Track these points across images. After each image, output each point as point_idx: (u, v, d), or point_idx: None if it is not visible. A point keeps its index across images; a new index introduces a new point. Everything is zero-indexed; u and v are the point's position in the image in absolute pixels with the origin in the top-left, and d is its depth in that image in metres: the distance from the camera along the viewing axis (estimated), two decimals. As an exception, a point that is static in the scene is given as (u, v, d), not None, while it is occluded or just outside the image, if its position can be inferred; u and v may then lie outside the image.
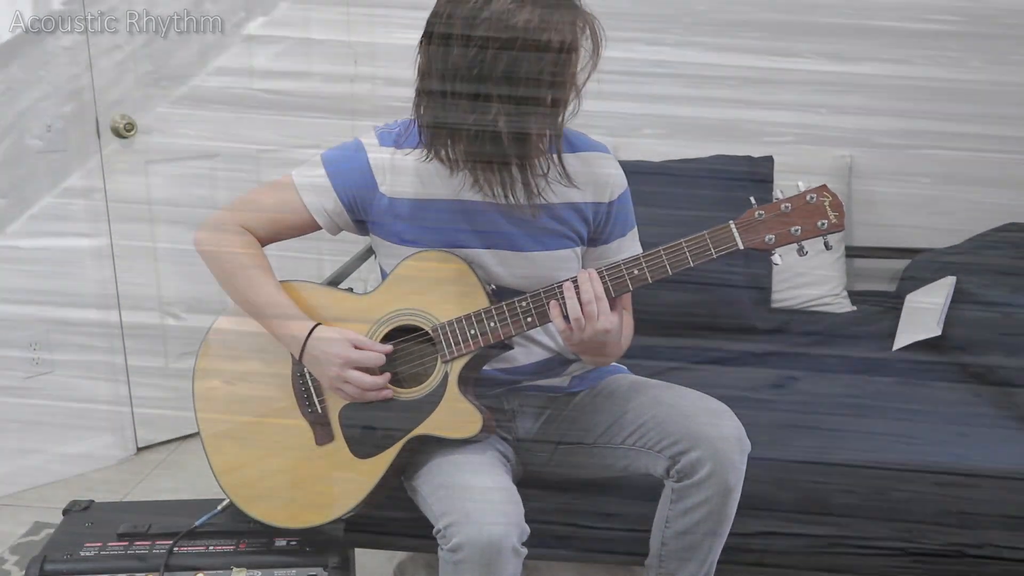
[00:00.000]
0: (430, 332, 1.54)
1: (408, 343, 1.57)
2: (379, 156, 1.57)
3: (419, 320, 1.55)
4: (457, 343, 1.53)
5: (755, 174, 2.61)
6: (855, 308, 2.65)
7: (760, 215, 1.47)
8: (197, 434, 1.66)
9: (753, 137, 2.74)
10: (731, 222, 1.47)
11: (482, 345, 1.52)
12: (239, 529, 1.66)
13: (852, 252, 2.77)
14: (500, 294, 1.56)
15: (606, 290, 1.48)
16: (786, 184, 1.51)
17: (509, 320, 1.51)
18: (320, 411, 1.60)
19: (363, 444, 1.57)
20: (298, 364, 1.59)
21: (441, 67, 1.42)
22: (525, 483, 1.61)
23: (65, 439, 2.66)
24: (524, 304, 1.51)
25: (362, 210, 1.59)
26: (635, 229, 1.68)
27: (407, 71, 1.48)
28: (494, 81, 1.39)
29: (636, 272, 1.48)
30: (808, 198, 1.47)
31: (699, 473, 1.52)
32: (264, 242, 1.63)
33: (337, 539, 1.65)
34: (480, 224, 1.56)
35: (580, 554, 1.86)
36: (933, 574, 1.79)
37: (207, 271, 1.63)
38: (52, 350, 2.59)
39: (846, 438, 1.91)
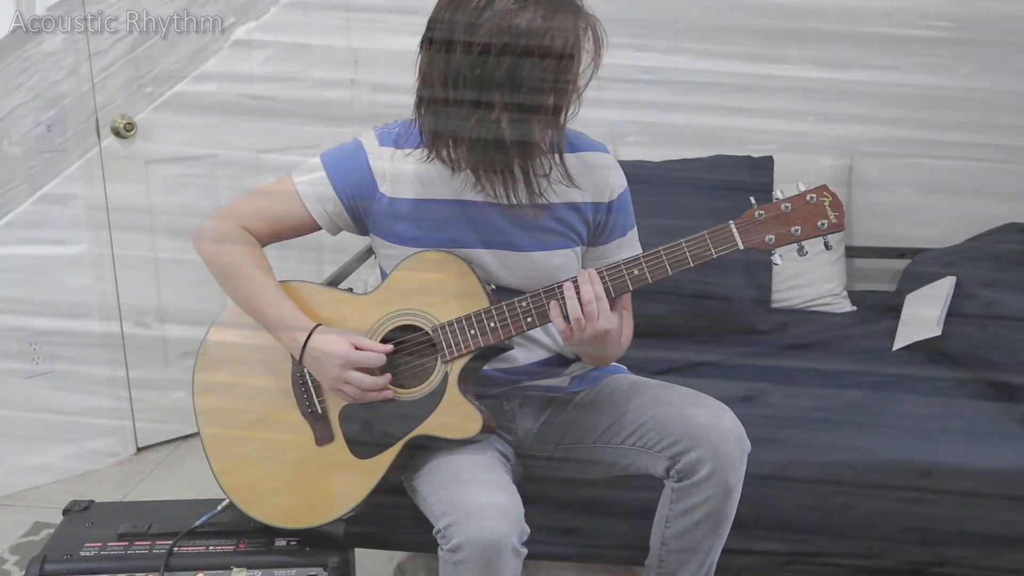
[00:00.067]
0: (430, 332, 1.54)
1: (408, 343, 1.57)
2: (379, 156, 1.57)
3: (419, 320, 1.55)
4: (457, 343, 1.52)
5: (755, 174, 2.61)
6: (855, 308, 2.65)
7: (760, 215, 1.46)
8: (197, 434, 1.66)
9: (740, 146, 2.70)
10: (731, 222, 1.47)
11: (482, 345, 1.52)
12: (239, 529, 1.66)
13: (852, 252, 2.76)
14: (500, 294, 1.55)
15: (606, 290, 1.47)
16: (786, 184, 1.51)
17: (509, 320, 1.51)
18: (320, 411, 1.60)
19: (363, 444, 1.57)
20: (298, 365, 1.59)
21: (443, 68, 1.42)
22: (525, 483, 1.61)
23: (65, 439, 2.65)
24: (524, 304, 1.51)
25: (362, 210, 1.59)
26: (635, 229, 1.68)
27: (406, 75, 1.48)
28: (497, 82, 1.39)
29: (636, 272, 1.48)
30: (808, 198, 1.47)
31: (699, 473, 1.52)
32: (264, 242, 1.63)
33: (337, 539, 1.65)
34: (480, 224, 1.56)
35: (580, 554, 1.86)
36: None
37: (207, 272, 1.62)
38: (52, 350, 2.59)
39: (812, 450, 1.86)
